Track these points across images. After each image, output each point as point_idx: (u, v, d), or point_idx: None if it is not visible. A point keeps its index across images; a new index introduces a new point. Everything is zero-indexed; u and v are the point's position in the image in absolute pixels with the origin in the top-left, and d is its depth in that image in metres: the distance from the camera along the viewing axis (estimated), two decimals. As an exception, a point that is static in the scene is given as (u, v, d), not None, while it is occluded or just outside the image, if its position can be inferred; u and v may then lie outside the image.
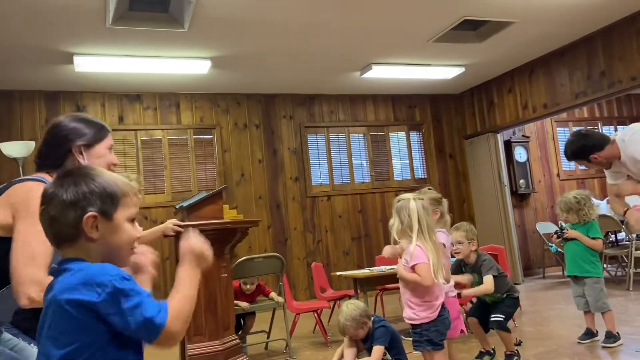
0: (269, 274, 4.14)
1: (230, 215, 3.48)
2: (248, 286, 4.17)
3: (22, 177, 1.65)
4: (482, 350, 3.44)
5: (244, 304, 4.01)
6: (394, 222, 2.55)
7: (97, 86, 5.85)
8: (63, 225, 1.12)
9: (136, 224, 1.21)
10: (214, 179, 6.46)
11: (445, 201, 3.03)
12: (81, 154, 1.71)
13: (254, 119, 6.72)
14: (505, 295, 3.38)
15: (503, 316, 3.30)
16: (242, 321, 4.20)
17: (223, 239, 3.28)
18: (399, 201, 2.57)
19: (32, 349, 1.67)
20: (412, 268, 2.46)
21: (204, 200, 3.22)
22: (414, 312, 2.50)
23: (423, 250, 2.46)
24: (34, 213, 1.40)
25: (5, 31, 4.29)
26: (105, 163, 1.77)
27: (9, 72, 5.26)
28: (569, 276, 3.84)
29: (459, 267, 3.48)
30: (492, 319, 3.31)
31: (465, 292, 3.38)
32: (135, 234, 1.19)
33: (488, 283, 3.30)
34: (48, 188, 1.15)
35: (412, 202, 2.52)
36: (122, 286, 1.05)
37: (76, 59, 4.94)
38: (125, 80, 5.73)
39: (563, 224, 3.81)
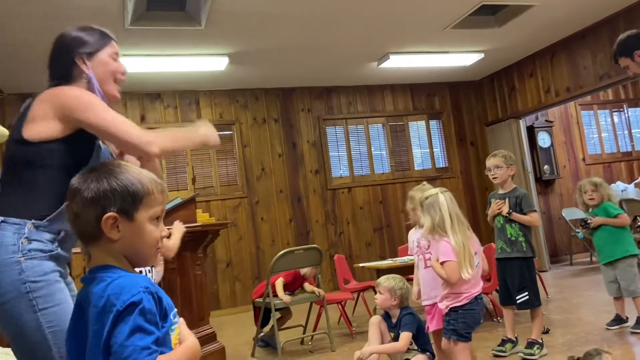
0: (309, 266, 4.13)
1: (203, 218, 3.74)
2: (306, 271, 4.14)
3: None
4: (505, 338, 3.41)
5: (286, 298, 3.91)
6: (425, 221, 2.56)
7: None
8: (85, 223, 1.10)
9: (161, 222, 1.18)
10: (235, 174, 6.52)
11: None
12: (84, 63, 1.66)
13: (272, 113, 6.75)
14: (522, 238, 3.31)
15: (526, 293, 3.24)
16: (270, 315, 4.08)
17: (196, 240, 3.54)
18: (427, 198, 2.58)
19: None
20: (441, 264, 2.50)
21: (178, 205, 3.50)
22: (437, 298, 2.57)
23: (451, 246, 2.48)
24: (90, 102, 1.53)
25: (28, 36, 4.39)
26: (109, 72, 1.71)
27: (34, 76, 5.38)
28: (604, 263, 3.71)
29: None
30: (518, 302, 3.26)
31: (515, 216, 3.30)
32: (158, 235, 1.15)
33: (535, 218, 3.29)
34: (73, 183, 1.14)
35: (440, 197, 2.54)
36: (135, 320, 1.00)
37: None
38: (146, 79, 5.81)
39: (585, 217, 3.75)
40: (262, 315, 4.03)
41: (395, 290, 3.24)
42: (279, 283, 4.00)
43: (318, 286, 4.14)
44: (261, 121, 6.69)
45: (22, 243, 1.48)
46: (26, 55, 4.76)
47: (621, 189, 7.19)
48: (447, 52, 6.18)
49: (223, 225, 4.07)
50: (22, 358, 1.51)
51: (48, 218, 1.53)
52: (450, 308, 2.48)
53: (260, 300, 3.99)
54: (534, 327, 3.28)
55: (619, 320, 3.63)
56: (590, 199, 3.71)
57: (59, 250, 1.57)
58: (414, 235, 2.95)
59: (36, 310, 1.46)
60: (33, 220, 1.51)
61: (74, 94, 1.58)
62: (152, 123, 6.23)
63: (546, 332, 3.67)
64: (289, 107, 6.83)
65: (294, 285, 4.18)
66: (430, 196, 2.58)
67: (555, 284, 5.77)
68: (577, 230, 6.92)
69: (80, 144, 1.60)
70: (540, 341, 3.25)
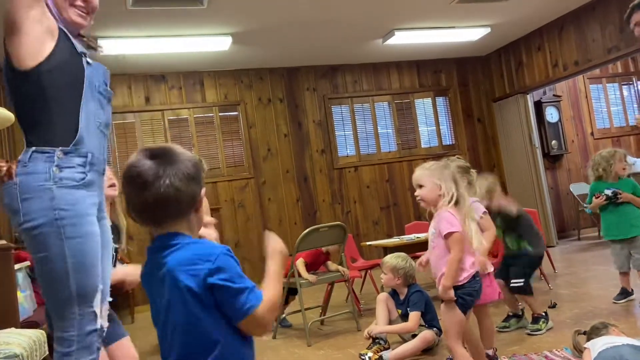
0: (333, 244, 4.11)
1: None
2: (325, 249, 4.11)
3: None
4: (510, 313, 3.43)
5: (312, 277, 3.86)
6: (424, 190, 2.39)
7: (123, 68, 5.93)
8: (185, 198, 1.15)
9: None
10: (241, 155, 6.52)
11: (474, 172, 2.95)
12: None
13: (277, 93, 6.72)
14: (522, 250, 3.33)
15: (522, 280, 3.26)
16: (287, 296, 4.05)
17: None
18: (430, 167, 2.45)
19: None
20: (445, 237, 2.32)
21: None
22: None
23: (455, 217, 2.33)
24: None
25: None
26: None
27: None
28: (618, 239, 3.64)
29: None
30: (512, 286, 3.28)
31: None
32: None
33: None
34: (146, 170, 1.12)
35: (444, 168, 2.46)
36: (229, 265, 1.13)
37: (100, 42, 4.98)
38: (149, 61, 5.78)
39: (616, 189, 3.64)
40: (286, 295, 3.95)
41: (397, 270, 3.26)
42: (300, 264, 3.93)
43: (341, 265, 4.10)
44: (266, 101, 6.66)
45: (53, 171, 1.52)
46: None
47: (630, 162, 7.13)
48: (453, 27, 6.09)
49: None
50: (43, 284, 1.57)
51: (73, 142, 1.57)
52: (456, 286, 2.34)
53: (284, 280, 3.93)
54: (531, 306, 3.29)
55: (625, 293, 3.63)
56: (624, 169, 3.65)
57: (90, 174, 1.60)
58: None
59: (62, 237, 1.50)
60: (61, 148, 1.55)
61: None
62: (157, 104, 6.22)
63: (553, 306, 3.69)
64: (294, 86, 6.78)
65: (315, 265, 4.13)
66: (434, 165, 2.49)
67: (563, 259, 5.78)
68: (585, 205, 6.89)
69: (67, 59, 1.63)
70: (544, 314, 3.26)
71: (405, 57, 7.04)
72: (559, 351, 2.78)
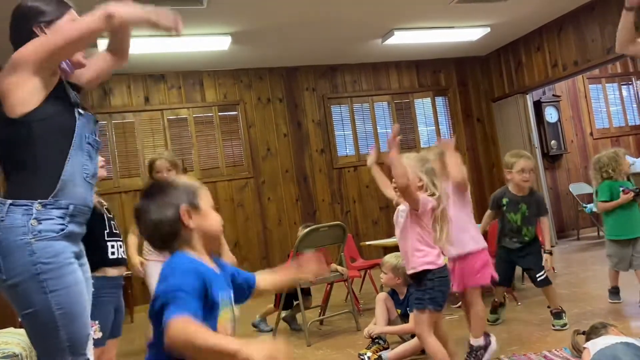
0: (333, 244, 4.07)
1: None
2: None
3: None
4: (496, 302, 3.47)
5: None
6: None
7: (122, 68, 5.91)
8: (167, 222, 1.31)
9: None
10: (241, 155, 6.52)
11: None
12: (43, 32, 1.65)
13: (277, 92, 6.71)
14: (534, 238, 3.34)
15: (543, 271, 3.27)
16: (292, 300, 4.00)
17: None
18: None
19: None
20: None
21: None
22: (414, 260, 2.39)
23: (428, 199, 2.36)
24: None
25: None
26: None
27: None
28: (625, 239, 3.57)
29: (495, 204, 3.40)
30: (538, 280, 3.26)
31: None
32: (219, 218, 1.40)
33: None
34: (139, 205, 1.33)
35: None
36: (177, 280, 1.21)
37: (100, 41, 4.99)
38: (149, 60, 5.77)
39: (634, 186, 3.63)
40: (285, 297, 3.89)
41: (398, 269, 3.25)
42: None
43: (341, 264, 4.08)
44: (266, 101, 6.66)
45: (31, 224, 1.49)
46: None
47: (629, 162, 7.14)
48: (452, 27, 6.09)
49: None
50: (32, 337, 1.55)
51: (53, 194, 1.53)
52: (428, 277, 2.33)
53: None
54: (552, 299, 3.29)
55: (617, 292, 3.64)
56: (628, 167, 3.66)
57: (71, 226, 1.57)
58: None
59: (46, 291, 1.48)
60: (39, 200, 1.51)
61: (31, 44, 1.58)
62: (156, 104, 6.22)
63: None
64: (294, 86, 6.78)
65: None
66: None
67: (562, 259, 5.78)
68: (584, 205, 6.90)
69: (60, 109, 1.60)
70: (560, 308, 3.27)
71: (404, 57, 7.04)
72: (558, 351, 2.78)
